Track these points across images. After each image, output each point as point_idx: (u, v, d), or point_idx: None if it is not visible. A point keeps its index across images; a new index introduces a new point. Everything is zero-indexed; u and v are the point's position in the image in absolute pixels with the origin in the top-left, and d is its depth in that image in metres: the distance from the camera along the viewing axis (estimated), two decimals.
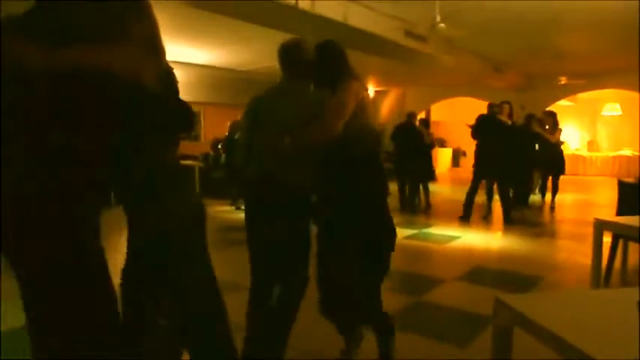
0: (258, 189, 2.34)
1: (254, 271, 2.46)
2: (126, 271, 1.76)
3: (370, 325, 2.43)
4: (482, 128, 6.64)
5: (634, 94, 12.39)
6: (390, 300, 3.15)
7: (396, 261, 2.40)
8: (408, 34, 6.96)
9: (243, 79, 11.20)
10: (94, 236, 1.38)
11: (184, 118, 1.72)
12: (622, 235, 3.07)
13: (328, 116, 2.16)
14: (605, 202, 9.52)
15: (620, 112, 14.58)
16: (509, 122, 6.72)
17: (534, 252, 5.16)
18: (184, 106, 1.71)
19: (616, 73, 11.47)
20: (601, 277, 2.68)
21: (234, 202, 8.02)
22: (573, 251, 5.15)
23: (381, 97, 15.78)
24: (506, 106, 6.79)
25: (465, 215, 6.78)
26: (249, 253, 2.48)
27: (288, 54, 2.37)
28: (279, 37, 2.50)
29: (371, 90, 15.22)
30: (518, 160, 6.85)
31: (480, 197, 6.97)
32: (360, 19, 6.07)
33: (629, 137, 14.94)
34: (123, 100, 1.34)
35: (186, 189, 1.81)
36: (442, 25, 5.59)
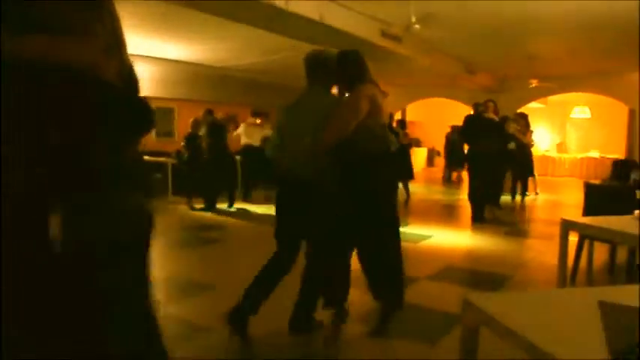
0: (285, 184, 2.66)
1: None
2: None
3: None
4: (472, 128, 6.70)
5: (602, 98, 12.79)
6: (363, 297, 3.18)
7: None
8: (384, 34, 7.00)
9: (218, 75, 11.09)
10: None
11: (145, 116, 1.65)
12: (588, 235, 3.15)
13: (341, 115, 2.42)
14: (572, 203, 9.79)
15: (589, 115, 15.02)
16: (497, 119, 6.84)
17: (504, 251, 5.26)
18: (145, 105, 1.65)
19: (585, 77, 11.80)
20: (567, 276, 2.74)
21: (188, 202, 7.87)
22: (541, 251, 5.27)
23: None
24: (490, 104, 6.92)
25: (479, 217, 6.72)
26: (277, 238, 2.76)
27: (312, 63, 2.64)
28: (255, 34, 2.54)
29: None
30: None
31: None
32: (335, 18, 6.07)
33: (597, 140, 15.42)
34: (81, 95, 1.30)
35: (134, 192, 1.61)
36: (417, 26, 5.64)
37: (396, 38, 7.26)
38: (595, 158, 14.93)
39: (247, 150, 9.12)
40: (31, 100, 1.20)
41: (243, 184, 9.25)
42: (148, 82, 9.94)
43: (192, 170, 7.86)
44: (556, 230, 6.39)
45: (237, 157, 10.97)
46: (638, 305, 1.22)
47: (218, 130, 7.94)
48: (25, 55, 1.16)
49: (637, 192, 3.74)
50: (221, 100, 11.71)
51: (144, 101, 1.57)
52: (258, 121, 9.21)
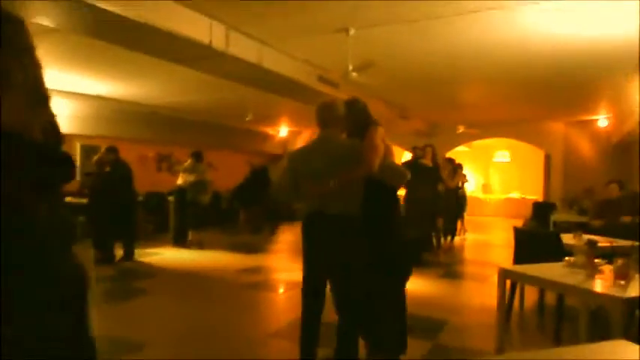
0: (311, 221, 2.89)
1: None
2: None
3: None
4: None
5: (520, 143, 13.78)
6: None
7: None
8: (321, 79, 7.15)
9: (148, 113, 10.74)
10: None
11: (66, 170, 1.54)
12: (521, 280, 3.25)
13: (367, 157, 2.70)
14: (499, 243, 10.27)
15: (509, 159, 16.10)
16: (431, 164, 7.02)
17: (441, 295, 5.33)
18: (67, 158, 1.55)
19: (506, 124, 12.70)
20: (505, 329, 2.80)
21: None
22: (476, 293, 5.42)
23: (294, 137, 15.99)
24: (429, 149, 7.11)
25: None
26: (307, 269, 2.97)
27: (324, 112, 2.91)
28: (191, 74, 2.44)
29: (284, 130, 15.39)
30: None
31: None
32: (274, 61, 6.12)
33: (517, 181, 16.50)
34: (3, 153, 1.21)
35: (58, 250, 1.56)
36: (354, 74, 5.80)
37: (333, 84, 7.44)
38: (517, 199, 15.92)
39: (175, 193, 8.75)
40: None
41: (175, 227, 8.85)
42: (75, 120, 9.42)
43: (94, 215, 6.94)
44: (488, 271, 6.68)
45: (170, 198, 10.60)
46: None
47: (123, 170, 7.01)
48: None
49: (561, 236, 3.96)
50: (153, 138, 11.32)
51: (65, 154, 1.47)
52: (183, 164, 8.78)
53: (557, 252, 3.76)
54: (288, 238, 9.97)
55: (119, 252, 6.84)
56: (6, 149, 1.19)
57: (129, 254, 6.90)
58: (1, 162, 1.19)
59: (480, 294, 5.39)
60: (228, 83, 7.09)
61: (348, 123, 2.95)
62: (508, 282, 3.01)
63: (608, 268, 2.71)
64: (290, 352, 3.43)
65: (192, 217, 8.63)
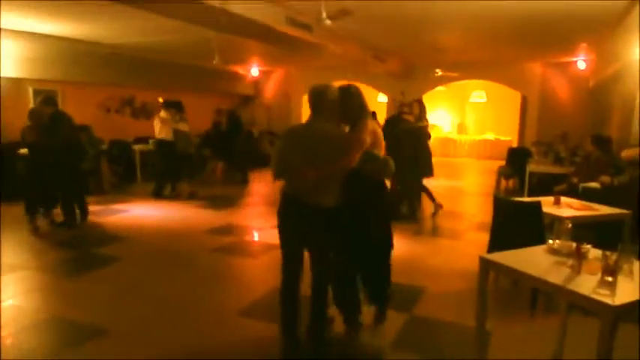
0: (289, 203, 2.94)
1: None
2: None
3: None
4: (390, 129, 6.41)
5: (497, 84, 13.53)
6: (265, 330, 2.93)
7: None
8: (292, 22, 6.60)
9: (107, 54, 9.91)
10: None
11: None
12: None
13: (350, 152, 2.79)
14: (474, 190, 10.31)
15: (485, 100, 15.89)
16: (412, 120, 6.73)
17: (415, 256, 5.26)
18: None
19: (484, 67, 12.35)
20: (485, 312, 2.68)
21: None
22: (451, 253, 5.37)
23: (266, 77, 15.30)
24: (415, 105, 6.85)
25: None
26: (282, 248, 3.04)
27: (316, 97, 2.91)
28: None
29: (256, 70, 14.66)
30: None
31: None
32: (240, 5, 5.56)
33: (491, 123, 16.42)
34: None
35: None
36: (328, 21, 5.32)
37: (305, 26, 6.90)
38: (491, 140, 15.92)
39: (161, 145, 8.39)
40: None
41: (156, 180, 8.54)
42: (26, 62, 8.62)
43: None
44: (462, 226, 6.62)
45: (137, 148, 10.12)
46: None
47: (60, 120, 6.07)
48: None
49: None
50: (113, 81, 10.57)
51: None
52: (164, 115, 8.30)
53: (537, 225, 3.66)
54: (262, 190, 9.72)
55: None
56: None
57: (83, 214, 6.46)
58: None
59: (455, 254, 5.35)
60: (188, 26, 6.51)
61: (341, 109, 2.97)
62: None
63: (594, 257, 2.57)
64: (263, 331, 3.31)
65: (181, 169, 8.64)
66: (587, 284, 2.26)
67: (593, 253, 2.68)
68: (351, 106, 3.04)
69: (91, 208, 6.80)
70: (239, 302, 3.87)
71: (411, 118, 6.70)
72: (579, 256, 2.42)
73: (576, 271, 2.40)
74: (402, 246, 5.57)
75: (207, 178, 10.67)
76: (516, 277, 2.50)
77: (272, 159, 3.12)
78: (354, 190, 2.96)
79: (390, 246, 3.32)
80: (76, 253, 5.23)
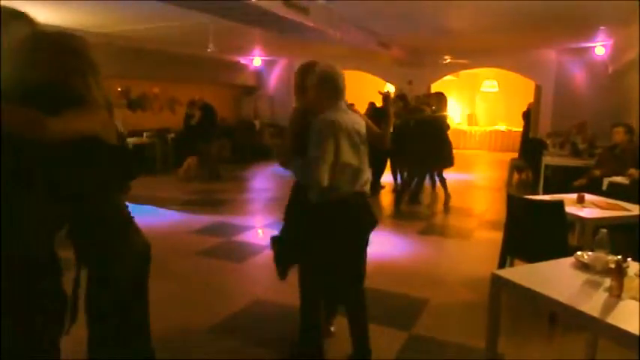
0: (358, 210, 2.59)
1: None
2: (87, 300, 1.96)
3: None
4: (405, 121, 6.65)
5: (509, 73, 12.88)
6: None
7: None
8: (288, 4, 6.09)
9: (104, 44, 9.45)
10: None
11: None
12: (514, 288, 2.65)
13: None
14: (484, 183, 9.76)
15: (496, 89, 15.24)
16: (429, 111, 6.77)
17: (419, 260, 4.76)
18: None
19: (495, 54, 11.71)
20: (497, 334, 2.19)
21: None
22: (458, 256, 4.88)
23: (269, 67, 14.79)
24: (434, 97, 6.96)
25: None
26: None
27: (341, 77, 2.77)
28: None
29: (258, 60, 14.16)
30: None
31: None
32: None
33: (503, 113, 15.77)
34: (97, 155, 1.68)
35: (130, 232, 1.98)
36: (322, 1, 4.82)
37: (302, 9, 6.39)
38: (502, 131, 15.29)
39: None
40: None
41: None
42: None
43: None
44: (471, 224, 6.12)
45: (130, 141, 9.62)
46: None
47: None
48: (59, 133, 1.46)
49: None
50: (110, 72, 10.11)
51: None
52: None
53: (559, 228, 3.15)
54: (263, 185, 9.24)
55: None
56: (105, 155, 1.69)
57: None
58: (102, 165, 1.70)
59: (463, 257, 4.85)
60: (179, 11, 6.03)
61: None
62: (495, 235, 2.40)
63: (636, 273, 2.08)
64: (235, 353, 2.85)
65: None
66: (633, 315, 1.75)
67: (634, 268, 2.18)
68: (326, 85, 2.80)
69: None
70: (212, 317, 3.40)
71: (427, 109, 6.42)
72: (620, 274, 1.90)
73: (615, 294, 1.90)
74: (404, 248, 5.11)
75: (182, 175, 9.21)
76: (536, 302, 2.00)
77: (317, 168, 2.39)
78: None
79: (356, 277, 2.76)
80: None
